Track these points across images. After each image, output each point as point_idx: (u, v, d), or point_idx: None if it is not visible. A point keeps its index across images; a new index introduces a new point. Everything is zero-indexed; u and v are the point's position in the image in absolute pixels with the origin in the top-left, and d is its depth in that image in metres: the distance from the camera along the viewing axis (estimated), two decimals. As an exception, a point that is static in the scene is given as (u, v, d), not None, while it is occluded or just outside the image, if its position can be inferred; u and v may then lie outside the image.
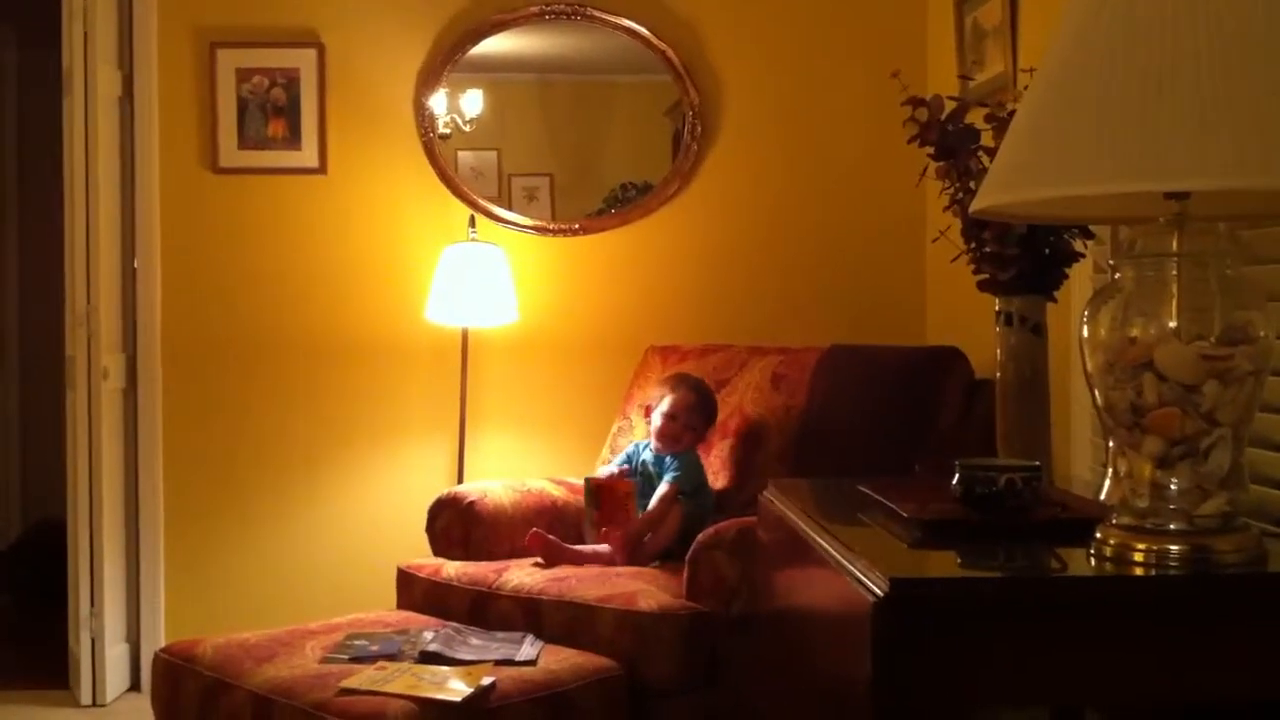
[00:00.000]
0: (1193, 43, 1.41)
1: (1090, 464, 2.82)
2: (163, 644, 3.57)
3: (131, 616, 4.14)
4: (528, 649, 2.83)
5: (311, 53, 4.14)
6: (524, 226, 4.20)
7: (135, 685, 4.11)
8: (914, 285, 4.19)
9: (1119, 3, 1.47)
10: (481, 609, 3.14)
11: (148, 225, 4.13)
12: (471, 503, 3.46)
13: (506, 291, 4.01)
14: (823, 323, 4.06)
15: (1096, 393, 1.58)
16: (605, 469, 3.58)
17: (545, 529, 3.39)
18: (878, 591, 1.47)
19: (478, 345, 4.13)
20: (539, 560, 3.29)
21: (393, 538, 3.98)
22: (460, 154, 4.23)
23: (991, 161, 1.92)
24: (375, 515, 4.17)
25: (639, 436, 3.66)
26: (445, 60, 4.16)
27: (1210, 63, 1.40)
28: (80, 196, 3.97)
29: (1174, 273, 1.51)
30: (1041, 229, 2.29)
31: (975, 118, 2.48)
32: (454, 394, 4.09)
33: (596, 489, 3.43)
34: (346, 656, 2.76)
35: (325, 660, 2.74)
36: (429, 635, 2.90)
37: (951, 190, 2.44)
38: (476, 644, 2.87)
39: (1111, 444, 1.59)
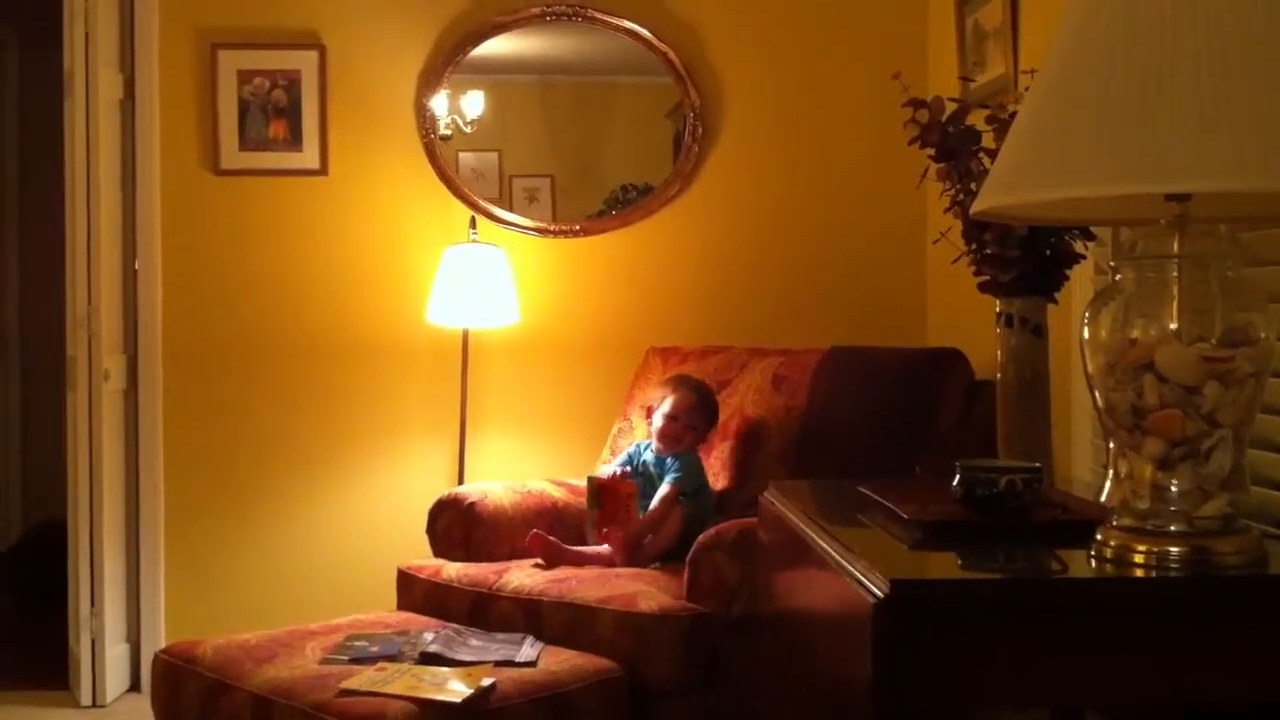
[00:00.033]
0: (1192, 42, 1.41)
1: (1091, 465, 2.82)
2: (163, 645, 3.57)
3: (132, 617, 4.14)
4: (528, 650, 2.83)
5: (313, 54, 4.14)
6: (525, 228, 4.20)
7: (135, 686, 4.11)
8: (915, 286, 4.19)
9: (1119, 2, 1.47)
10: (482, 610, 3.14)
11: (149, 226, 4.13)
12: (472, 504, 3.46)
13: (507, 293, 4.01)
14: (823, 324, 4.06)
15: (1097, 394, 1.58)
16: (606, 468, 3.58)
17: (546, 530, 3.39)
18: (878, 593, 1.47)
19: (478, 346, 4.13)
20: (539, 561, 3.29)
21: (393, 539, 3.99)
22: (461, 155, 4.23)
23: (992, 163, 1.92)
24: (375, 516, 4.17)
25: (639, 437, 3.66)
26: (446, 61, 4.16)
27: (1210, 62, 1.40)
28: (81, 197, 3.98)
29: (1175, 274, 1.51)
30: (1042, 230, 2.29)
31: (976, 119, 2.48)
32: (455, 395, 4.09)
33: (599, 489, 3.43)
34: (346, 657, 2.76)
35: (325, 661, 2.74)
36: (429, 636, 2.90)
37: (952, 192, 2.44)
38: (477, 645, 2.87)
39: (1112, 445, 1.59)
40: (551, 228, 4.21)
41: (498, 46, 4.19)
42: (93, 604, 3.98)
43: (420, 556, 3.49)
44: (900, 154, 2.77)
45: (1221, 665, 1.49)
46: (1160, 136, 1.39)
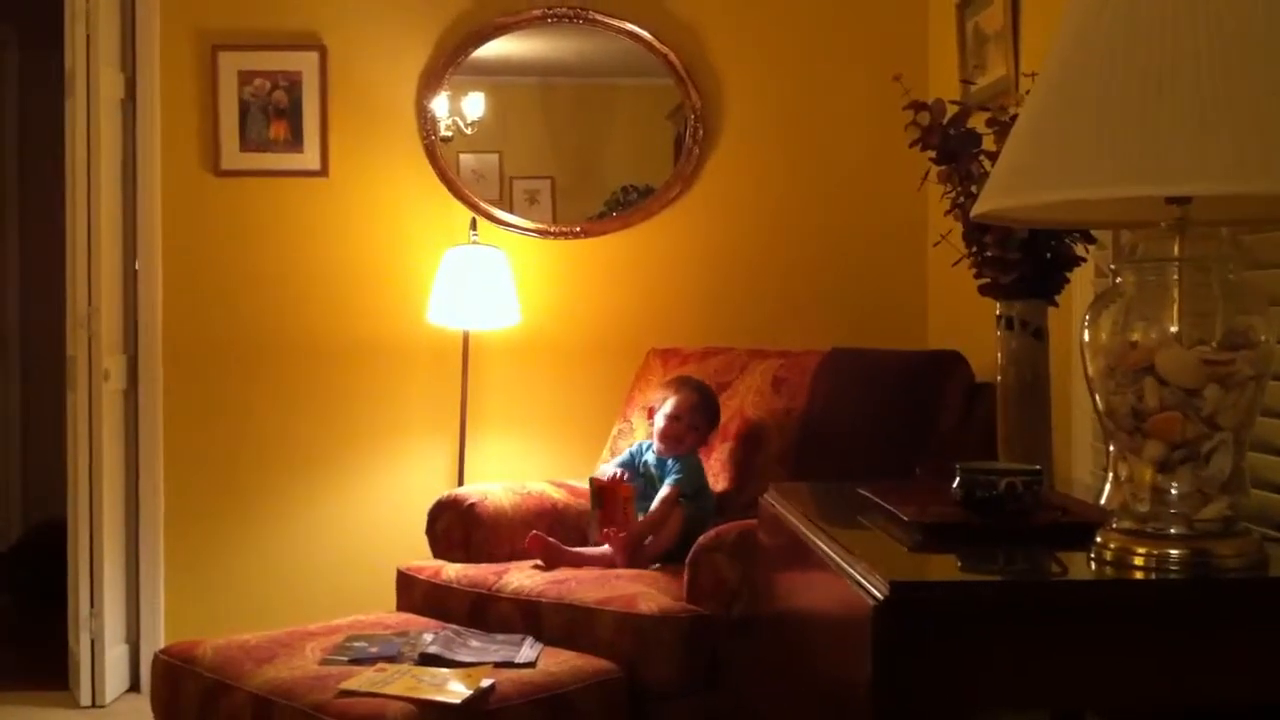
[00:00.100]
0: (1193, 43, 1.41)
1: (1091, 468, 2.82)
2: (162, 645, 3.57)
3: (131, 617, 4.14)
4: (527, 651, 2.83)
5: (313, 55, 4.14)
6: (525, 229, 4.20)
7: (135, 686, 4.11)
8: (915, 289, 4.19)
9: (1120, 4, 1.47)
10: (481, 611, 3.14)
11: (149, 227, 4.14)
12: (472, 505, 3.46)
13: (508, 294, 4.01)
14: (824, 326, 4.06)
15: (1097, 397, 1.58)
16: (605, 469, 3.58)
17: (545, 531, 3.39)
18: (878, 595, 1.47)
19: (478, 347, 4.13)
20: (539, 563, 3.29)
21: (393, 539, 3.98)
22: (462, 156, 4.24)
23: (993, 165, 1.92)
24: (375, 517, 4.17)
25: (639, 439, 3.65)
26: (447, 63, 4.16)
27: (1210, 63, 1.40)
28: (82, 198, 3.98)
29: (1175, 277, 1.51)
30: (1043, 233, 2.29)
31: (977, 122, 2.48)
32: (455, 396, 4.09)
33: (600, 489, 3.43)
34: (346, 658, 2.76)
35: (325, 662, 2.74)
36: (429, 637, 2.90)
37: (953, 194, 2.44)
38: (476, 646, 2.87)
39: (1112, 448, 1.59)
40: (552, 229, 4.21)
41: (498, 48, 4.19)
42: (92, 604, 3.98)
43: (420, 557, 3.49)
44: (901, 156, 2.77)
45: (1221, 667, 1.49)
46: (1161, 138, 1.39)
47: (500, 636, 2.97)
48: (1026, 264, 2.31)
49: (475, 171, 4.25)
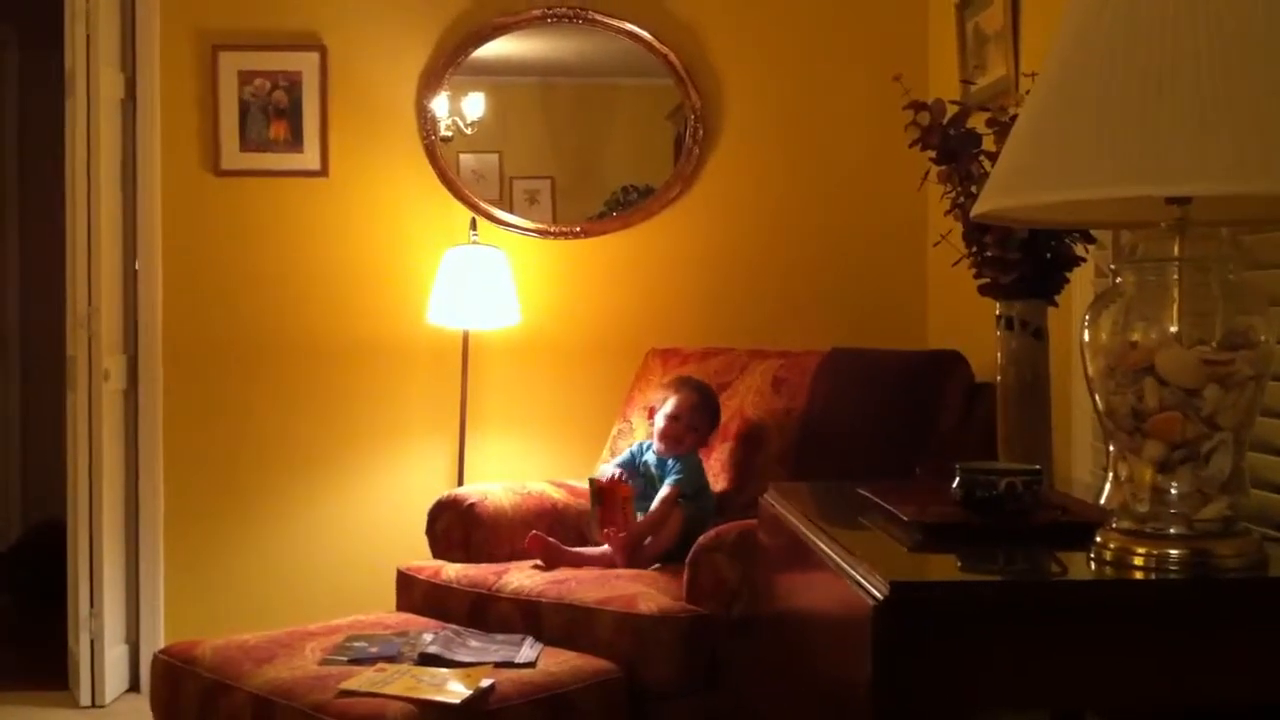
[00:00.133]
0: (1193, 43, 1.41)
1: (1091, 468, 2.82)
2: (162, 645, 3.57)
3: (131, 617, 4.14)
4: (527, 651, 2.84)
5: (314, 55, 4.14)
6: (525, 229, 4.20)
7: (135, 686, 4.11)
8: (915, 289, 4.19)
9: (1120, 4, 1.47)
10: (481, 611, 3.14)
11: (149, 227, 4.14)
12: (472, 505, 3.46)
13: (507, 294, 4.01)
14: (824, 326, 4.06)
15: (1097, 397, 1.58)
16: (605, 469, 3.58)
17: (545, 531, 3.39)
18: (878, 595, 1.47)
19: (478, 347, 4.13)
20: (539, 563, 3.29)
21: (393, 539, 3.98)
22: (462, 156, 4.24)
23: (993, 166, 1.92)
24: (375, 517, 4.17)
25: (639, 439, 3.65)
26: (447, 63, 4.16)
27: (1211, 63, 1.40)
28: (82, 198, 3.98)
29: (1175, 277, 1.51)
30: (1043, 233, 2.29)
31: (977, 122, 2.48)
32: (455, 396, 4.09)
33: (599, 490, 3.43)
34: (346, 658, 2.76)
35: (325, 662, 2.74)
36: (428, 637, 2.90)
37: (953, 194, 2.45)
38: (476, 646, 2.87)
39: (1112, 448, 1.59)
40: (552, 229, 4.21)
41: (498, 48, 4.19)
42: (92, 604, 3.98)
43: (420, 557, 3.49)
44: (901, 156, 2.77)
45: (1221, 667, 1.49)
46: (1161, 138, 1.39)
47: (500, 636, 2.97)
48: (1026, 264, 2.31)
49: (475, 171, 4.25)
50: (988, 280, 2.38)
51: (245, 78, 4.14)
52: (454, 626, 3.06)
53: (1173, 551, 1.51)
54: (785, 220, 4.24)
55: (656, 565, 3.29)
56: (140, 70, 4.11)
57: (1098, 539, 1.60)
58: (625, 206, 4.25)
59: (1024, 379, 2.34)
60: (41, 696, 4.05)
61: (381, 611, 3.33)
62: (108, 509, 3.99)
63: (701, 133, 4.19)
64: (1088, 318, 1.58)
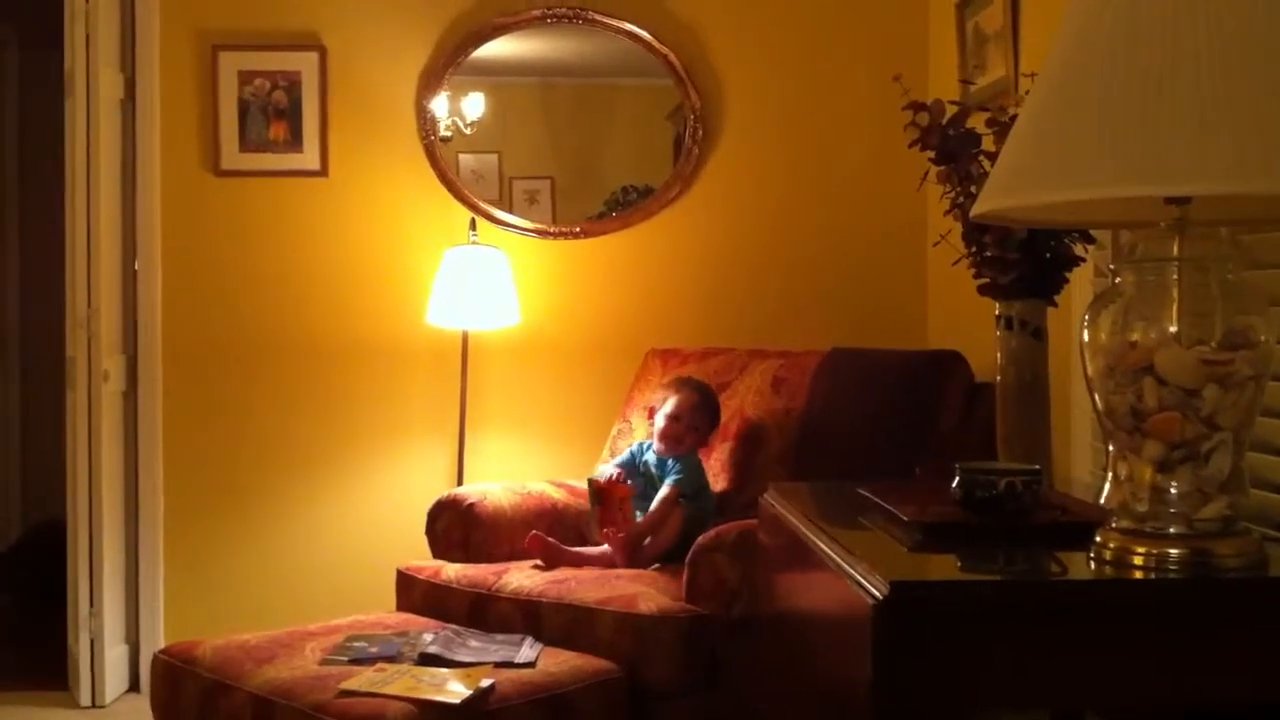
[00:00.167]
0: (1193, 43, 1.41)
1: (1090, 468, 2.82)
2: (162, 645, 3.57)
3: (131, 618, 4.14)
4: (527, 651, 2.84)
5: (313, 55, 4.14)
6: (525, 229, 4.20)
7: (134, 686, 4.11)
8: (915, 289, 4.19)
9: (1121, 4, 1.47)
10: (481, 611, 3.14)
11: (149, 227, 4.14)
12: (471, 505, 3.46)
13: (507, 294, 4.01)
14: (823, 326, 4.06)
15: (1097, 397, 1.58)
16: (605, 469, 3.58)
17: (545, 531, 3.39)
18: (877, 594, 1.47)
19: (478, 347, 4.13)
20: (538, 562, 3.29)
21: (392, 539, 3.98)
22: (461, 157, 4.24)
23: (992, 166, 1.92)
24: (375, 517, 4.17)
25: (639, 439, 3.65)
26: (447, 63, 4.16)
27: (1211, 63, 1.40)
28: (81, 198, 3.98)
29: (1175, 277, 1.51)
30: (1042, 233, 2.29)
31: (976, 122, 2.49)
32: (454, 396, 4.09)
33: (598, 490, 3.43)
34: (346, 658, 2.76)
35: (325, 662, 2.74)
36: (428, 637, 2.90)
37: (952, 194, 2.45)
38: (476, 646, 2.87)
39: (1111, 448, 1.59)
40: (551, 229, 4.21)
41: (498, 48, 4.19)
42: (92, 604, 3.97)
43: (420, 557, 3.49)
44: (901, 156, 2.77)
45: (1221, 667, 1.49)
46: (1161, 139, 1.39)
47: (500, 636, 2.97)
48: (1026, 264, 2.31)
49: (475, 172, 4.25)
50: (987, 280, 2.38)
51: (245, 78, 4.14)
52: (454, 626, 3.06)
53: (1172, 551, 1.52)
54: (785, 220, 4.24)
55: (656, 565, 3.29)
56: (140, 70, 4.11)
57: (1097, 539, 1.60)
58: (625, 207, 4.25)
59: (1023, 379, 2.34)
60: (41, 696, 4.05)
61: (381, 611, 3.33)
62: (107, 509, 3.99)
63: (701, 133, 4.19)
64: (1087, 317, 1.58)
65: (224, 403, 4.18)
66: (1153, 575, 1.52)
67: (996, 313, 2.38)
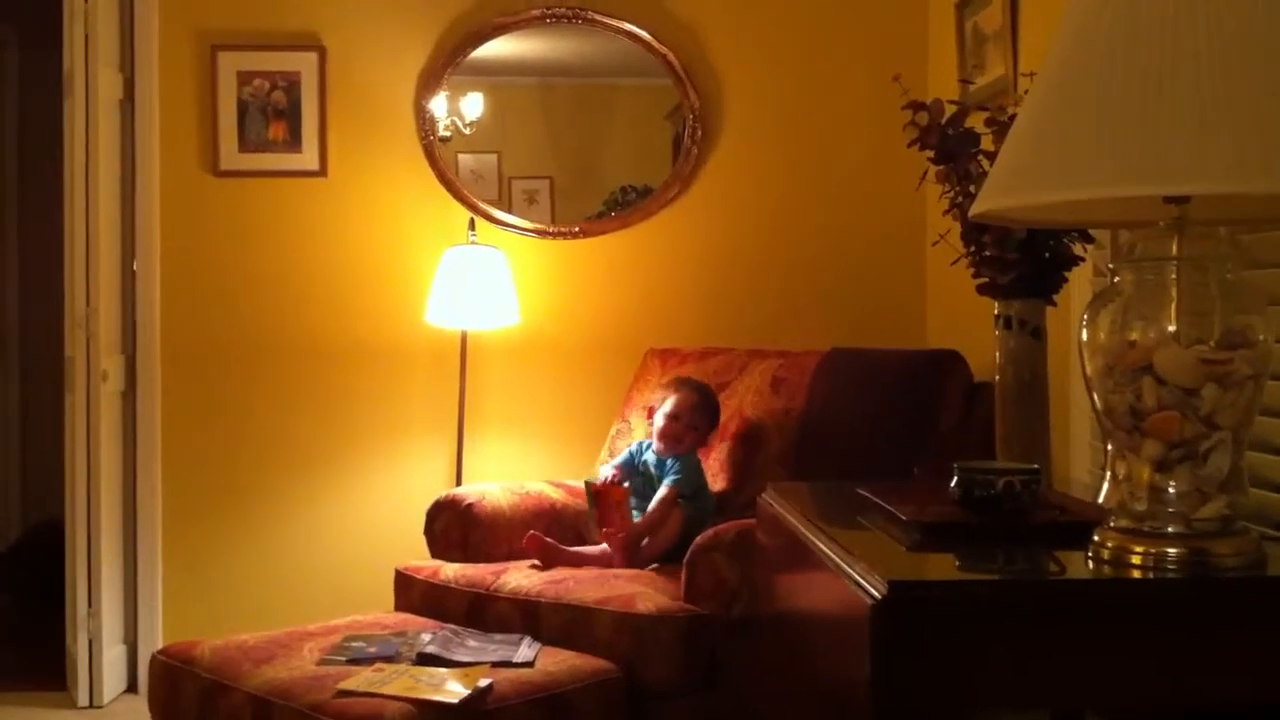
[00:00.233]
0: (1193, 43, 1.41)
1: (1089, 467, 2.82)
2: (160, 645, 3.57)
3: (129, 618, 4.14)
4: (525, 651, 2.83)
5: (312, 56, 4.14)
6: (524, 229, 4.20)
7: (133, 686, 4.10)
8: (914, 288, 4.19)
9: (1120, 4, 1.47)
10: (479, 611, 3.14)
11: (148, 227, 4.13)
12: (470, 505, 3.46)
13: (506, 294, 4.01)
14: (822, 326, 4.06)
15: (1095, 396, 1.58)
16: (604, 469, 3.58)
17: (543, 531, 3.38)
18: (876, 594, 1.47)
19: (477, 347, 4.13)
20: (536, 562, 3.29)
21: (391, 539, 3.98)
22: (460, 157, 4.24)
23: (991, 165, 1.92)
24: (374, 517, 4.17)
25: (638, 439, 3.65)
26: (446, 63, 4.16)
27: (1210, 63, 1.40)
28: (80, 198, 3.97)
29: (1174, 277, 1.51)
30: (1041, 233, 2.29)
31: (975, 121, 2.48)
32: (453, 396, 4.09)
33: (595, 493, 3.43)
34: (344, 658, 2.76)
35: (323, 662, 2.74)
36: (427, 637, 2.90)
37: (951, 194, 2.45)
38: (474, 646, 2.87)
39: (1110, 447, 1.59)
40: (551, 229, 4.21)
41: (497, 48, 4.19)
42: (90, 604, 3.97)
43: (418, 557, 3.49)
44: (900, 156, 2.77)
45: (1220, 667, 1.49)
46: (1160, 138, 1.39)
47: (498, 636, 2.97)
48: (1025, 263, 2.31)
49: (474, 172, 4.25)
50: (986, 280, 2.38)
51: (244, 78, 4.14)
52: (452, 626, 3.06)
53: (1171, 550, 1.51)
54: (784, 220, 4.24)
55: (654, 565, 3.28)
56: (139, 70, 4.11)
57: (1096, 538, 1.60)
58: (624, 206, 4.25)
59: (1022, 378, 2.34)
60: (40, 697, 4.05)
61: (380, 611, 3.33)
62: (106, 509, 3.99)
63: (700, 133, 4.19)
64: (1086, 317, 1.58)
65: (223, 403, 4.18)
66: (1151, 575, 1.51)
67: (995, 312, 2.37)
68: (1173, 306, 1.51)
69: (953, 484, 1.84)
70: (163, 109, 4.14)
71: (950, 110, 2.48)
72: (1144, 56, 1.43)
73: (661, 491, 3.38)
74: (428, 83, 4.17)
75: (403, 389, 4.19)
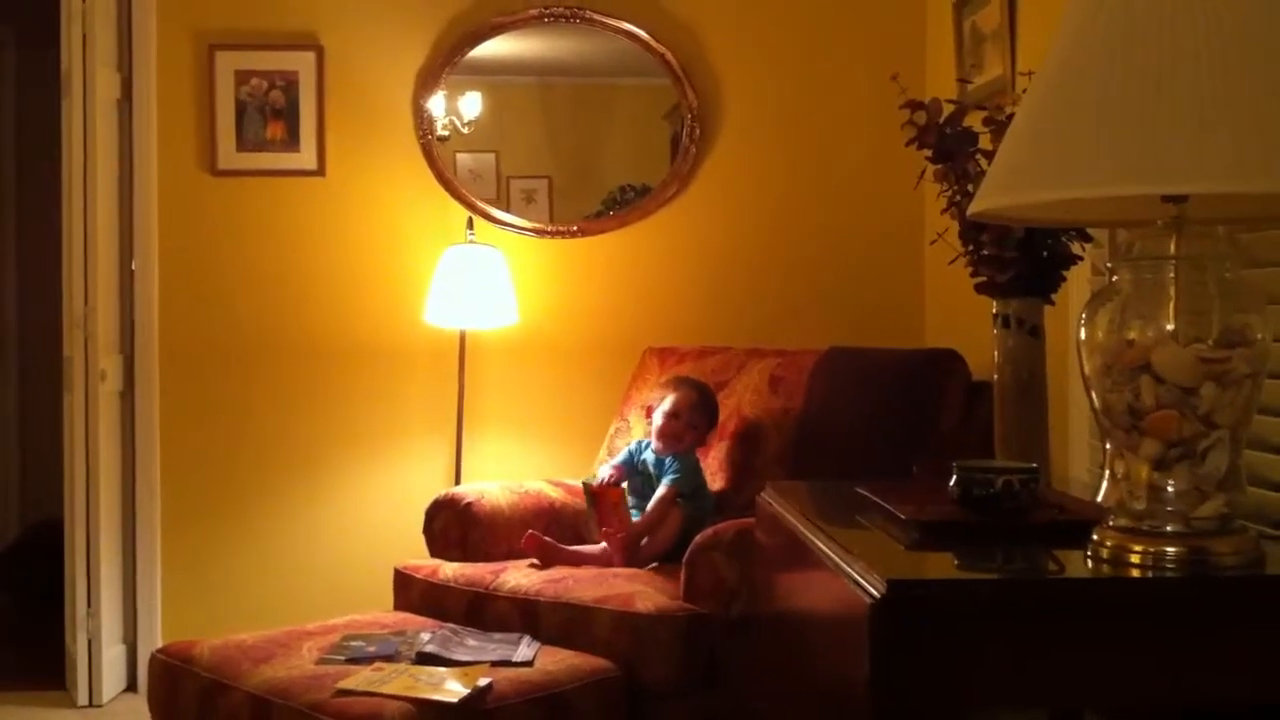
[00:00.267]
0: (1192, 42, 1.41)
1: (1088, 466, 2.82)
2: (159, 645, 3.57)
3: (128, 617, 4.14)
4: (525, 650, 2.83)
5: (310, 55, 4.14)
6: (522, 228, 4.20)
7: (132, 686, 4.10)
8: (912, 287, 4.20)
9: (1118, 3, 1.47)
10: (478, 610, 3.14)
11: (146, 227, 4.13)
12: (469, 504, 3.46)
13: (505, 294, 4.01)
14: (821, 325, 4.06)
15: (1094, 395, 1.58)
16: (602, 468, 3.57)
17: (542, 530, 3.38)
18: (875, 593, 1.47)
19: (476, 347, 4.13)
20: (534, 561, 3.29)
21: (390, 539, 3.98)
22: (459, 156, 4.24)
23: (989, 164, 1.92)
24: (373, 516, 4.17)
25: (637, 438, 3.65)
26: (444, 62, 4.16)
27: (1209, 62, 1.40)
28: (78, 198, 3.97)
29: (1172, 275, 1.51)
30: (1039, 231, 2.29)
31: (973, 120, 2.49)
32: (452, 396, 4.09)
33: (592, 494, 3.43)
34: (343, 657, 2.76)
35: (322, 661, 2.74)
36: (426, 636, 2.90)
37: (949, 193, 2.45)
38: (473, 645, 2.87)
39: (1109, 446, 1.59)
40: (549, 228, 4.21)
41: (495, 48, 4.19)
42: (89, 604, 3.97)
43: (417, 556, 3.49)
44: (898, 155, 2.77)
45: (1220, 666, 1.49)
46: (1159, 138, 1.39)
47: (497, 635, 2.97)
48: (1023, 262, 2.31)
49: (472, 171, 4.24)
50: (984, 279, 2.38)
51: (242, 77, 4.13)
52: (451, 625, 3.06)
53: (1169, 549, 1.51)
54: (782, 219, 4.24)
55: (653, 564, 3.28)
56: (137, 70, 4.11)
57: (1095, 537, 1.60)
58: (622, 206, 4.25)
59: (1021, 377, 2.34)
60: (39, 696, 4.05)
61: (379, 611, 3.33)
62: (105, 509, 3.98)
63: (698, 132, 4.19)
64: (1084, 316, 1.58)
65: (221, 402, 4.18)
66: (1150, 574, 1.51)
67: (994, 311, 2.38)
68: (1171, 305, 1.51)
69: (951, 483, 1.84)
70: (161, 108, 4.14)
71: (948, 109, 2.48)
72: (1142, 55, 1.43)
73: (660, 491, 3.38)
74: (426, 82, 4.17)
75: (401, 388, 4.19)
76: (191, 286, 4.16)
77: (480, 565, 3.32)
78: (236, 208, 4.17)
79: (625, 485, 3.47)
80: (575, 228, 4.21)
